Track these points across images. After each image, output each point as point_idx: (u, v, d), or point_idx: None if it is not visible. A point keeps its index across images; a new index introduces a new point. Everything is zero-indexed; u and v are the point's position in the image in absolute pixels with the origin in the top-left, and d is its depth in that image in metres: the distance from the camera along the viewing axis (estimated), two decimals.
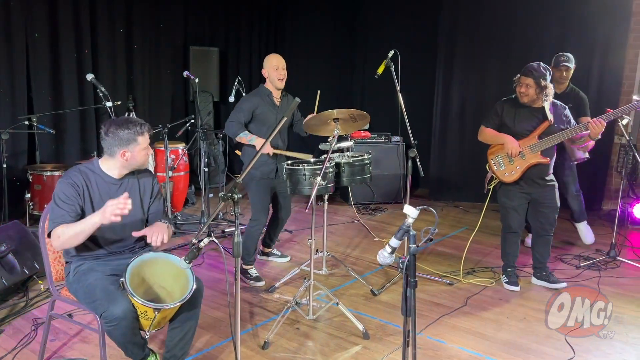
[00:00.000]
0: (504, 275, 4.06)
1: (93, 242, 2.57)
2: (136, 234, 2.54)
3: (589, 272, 4.30)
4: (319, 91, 3.82)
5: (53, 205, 2.48)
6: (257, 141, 3.80)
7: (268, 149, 3.79)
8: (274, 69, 3.87)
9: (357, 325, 3.23)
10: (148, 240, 2.49)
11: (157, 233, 2.48)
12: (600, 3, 5.77)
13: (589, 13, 5.82)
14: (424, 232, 1.60)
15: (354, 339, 3.18)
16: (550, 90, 3.67)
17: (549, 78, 3.64)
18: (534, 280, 4.09)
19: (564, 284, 3.95)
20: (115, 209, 2.28)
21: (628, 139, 4.22)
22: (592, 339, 3.16)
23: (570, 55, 4.55)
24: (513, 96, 3.83)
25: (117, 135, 2.50)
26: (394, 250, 1.68)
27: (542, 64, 3.67)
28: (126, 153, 2.53)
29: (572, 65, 4.51)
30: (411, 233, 1.59)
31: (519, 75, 3.72)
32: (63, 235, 2.39)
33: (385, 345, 3.10)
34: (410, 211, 1.59)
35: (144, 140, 2.55)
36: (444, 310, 3.58)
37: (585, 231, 4.97)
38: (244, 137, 3.84)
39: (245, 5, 7.72)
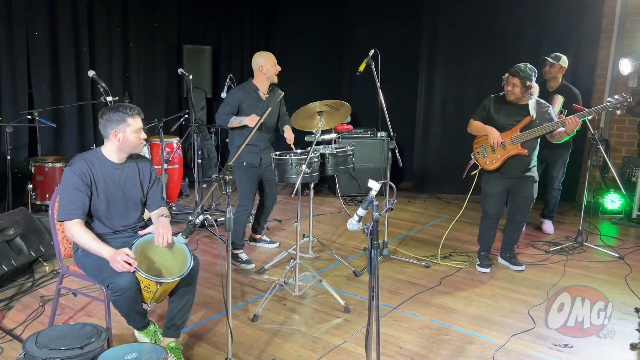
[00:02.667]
0: (478, 259, 4.38)
1: (100, 222, 2.86)
2: (142, 233, 2.84)
3: (557, 256, 4.63)
4: (282, 93, 4.10)
5: (62, 196, 2.75)
6: (247, 119, 4.09)
7: (253, 122, 4.01)
8: (272, 64, 4.19)
9: (339, 301, 3.54)
10: (156, 241, 2.76)
11: (163, 234, 2.76)
12: (573, 5, 6.12)
13: (563, 14, 6.17)
14: (385, 203, 1.90)
15: (336, 313, 3.49)
16: (535, 90, 3.98)
17: (534, 79, 3.95)
18: (499, 259, 4.44)
19: (523, 268, 4.30)
20: (122, 267, 2.55)
21: (592, 132, 4.57)
22: (552, 312, 3.48)
23: (559, 54, 4.94)
24: (501, 93, 4.15)
25: (110, 117, 2.77)
26: (360, 218, 1.99)
27: (528, 65, 3.98)
28: (118, 134, 2.78)
29: (555, 62, 4.89)
30: (374, 203, 1.89)
31: (507, 74, 4.03)
32: (76, 237, 2.70)
33: (364, 318, 3.40)
34: (373, 185, 1.89)
35: (133, 121, 2.79)
36: (419, 289, 3.90)
37: (548, 225, 5.38)
38: (234, 122, 4.15)
39: (236, 6, 8.00)
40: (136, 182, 2.95)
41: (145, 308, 2.82)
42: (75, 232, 2.69)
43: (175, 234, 2.83)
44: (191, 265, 2.76)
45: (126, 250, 2.61)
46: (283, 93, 2.80)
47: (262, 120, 2.74)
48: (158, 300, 2.82)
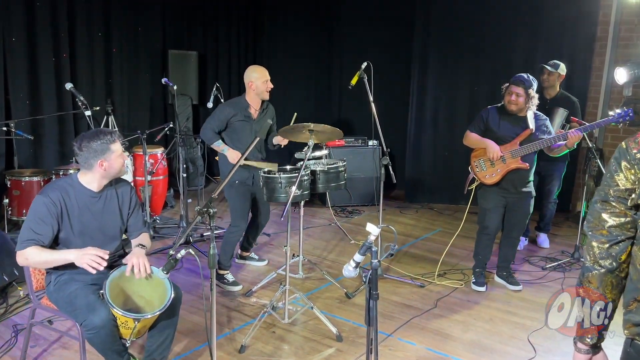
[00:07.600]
0: (473, 276, 4.23)
1: None
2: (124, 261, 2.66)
3: (554, 274, 4.49)
4: (295, 113, 3.97)
5: (26, 225, 2.55)
6: (229, 152, 3.93)
7: (236, 159, 3.87)
8: (263, 81, 3.98)
9: (331, 329, 3.36)
10: (135, 274, 2.57)
11: (139, 263, 2.56)
12: (568, 13, 6.00)
13: (557, 22, 6.04)
14: (384, 248, 1.74)
15: (328, 342, 3.32)
16: (535, 100, 3.85)
17: (535, 88, 3.82)
18: (495, 278, 4.29)
19: (520, 287, 4.15)
20: (93, 261, 2.41)
21: (590, 145, 4.44)
22: (552, 339, 3.33)
23: (557, 61, 4.78)
24: (499, 104, 3.99)
25: (91, 147, 2.59)
26: (357, 264, 1.81)
27: (529, 75, 3.84)
28: (103, 163, 2.62)
29: (553, 70, 4.73)
30: (373, 249, 1.71)
31: (507, 84, 3.87)
32: (32, 258, 2.50)
33: (357, 347, 3.24)
34: (372, 229, 1.72)
35: (116, 147, 2.65)
36: (414, 312, 3.74)
37: (543, 239, 5.25)
38: (218, 147, 3.97)
39: (223, 10, 7.76)
40: (115, 211, 2.76)
41: (124, 344, 2.63)
42: (29, 255, 2.48)
43: (151, 256, 2.64)
44: (172, 297, 2.58)
45: (94, 248, 2.49)
46: (271, 122, 2.64)
47: (248, 151, 2.57)
48: (138, 336, 2.64)
